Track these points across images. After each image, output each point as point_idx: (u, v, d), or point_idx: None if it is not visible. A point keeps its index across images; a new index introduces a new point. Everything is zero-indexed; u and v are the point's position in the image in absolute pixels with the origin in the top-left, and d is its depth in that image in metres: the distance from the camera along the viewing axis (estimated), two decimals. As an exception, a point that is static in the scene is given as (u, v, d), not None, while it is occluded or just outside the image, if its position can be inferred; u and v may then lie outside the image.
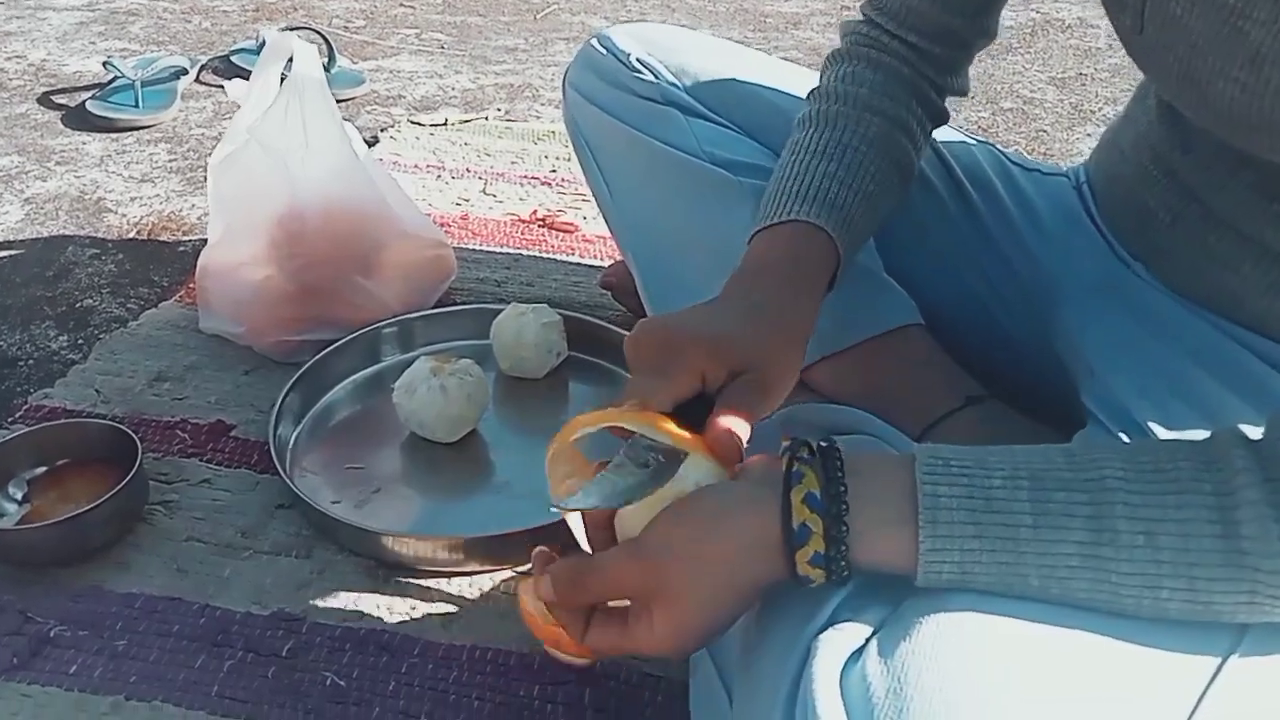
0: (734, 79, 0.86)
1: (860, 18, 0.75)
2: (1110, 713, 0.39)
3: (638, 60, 0.87)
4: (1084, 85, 1.76)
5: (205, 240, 1.19)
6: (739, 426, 0.52)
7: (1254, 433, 0.45)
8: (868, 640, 0.41)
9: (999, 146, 0.85)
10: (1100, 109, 1.66)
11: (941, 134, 0.83)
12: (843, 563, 0.42)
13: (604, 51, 0.90)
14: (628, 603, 0.47)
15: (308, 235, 0.94)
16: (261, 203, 0.95)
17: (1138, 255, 0.73)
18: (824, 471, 0.43)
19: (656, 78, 0.86)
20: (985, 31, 0.74)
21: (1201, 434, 0.45)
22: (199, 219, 1.29)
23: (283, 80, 0.96)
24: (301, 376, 0.93)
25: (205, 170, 1.40)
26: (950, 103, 0.76)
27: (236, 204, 0.98)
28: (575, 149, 0.95)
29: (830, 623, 0.42)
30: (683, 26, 2.06)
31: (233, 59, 1.75)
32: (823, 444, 0.45)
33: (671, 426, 0.49)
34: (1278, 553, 0.40)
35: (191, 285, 1.12)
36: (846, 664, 0.40)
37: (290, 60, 0.94)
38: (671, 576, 0.45)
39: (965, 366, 0.76)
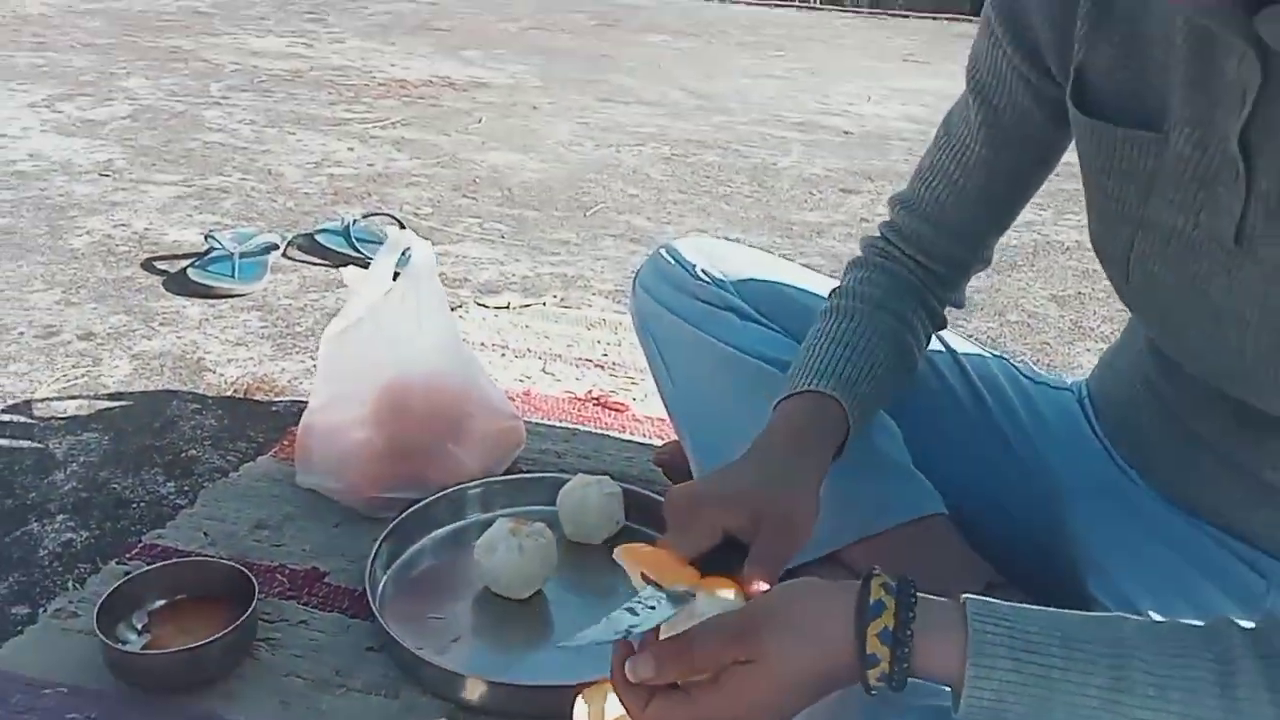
0: (781, 287, 1.01)
1: (877, 234, 0.88)
2: None
3: (702, 271, 1.02)
4: (1082, 304, 1.94)
5: (295, 401, 1.33)
6: (767, 568, 0.63)
7: (1245, 624, 0.56)
8: None
9: (1011, 359, 1.00)
10: (1098, 326, 1.84)
11: (961, 346, 0.97)
12: (903, 679, 0.53)
13: (672, 261, 1.05)
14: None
15: (410, 405, 1.07)
16: (370, 373, 1.09)
17: (1134, 465, 0.85)
18: (899, 609, 0.53)
19: (717, 286, 1.00)
20: (982, 259, 0.87)
21: (1198, 622, 0.56)
22: (289, 382, 1.43)
23: (396, 272, 1.12)
24: (391, 530, 1.04)
25: (293, 337, 1.56)
26: (961, 314, 0.91)
27: (345, 372, 1.12)
28: (641, 341, 1.09)
29: None
30: (719, 231, 2.28)
31: (317, 238, 1.95)
32: (899, 580, 0.55)
33: (680, 569, 0.59)
34: (1267, 716, 0.50)
35: (285, 442, 1.25)
36: None
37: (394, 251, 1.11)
38: (771, 649, 0.54)
39: (985, 554, 0.87)
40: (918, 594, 0.55)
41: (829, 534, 0.77)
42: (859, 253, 0.90)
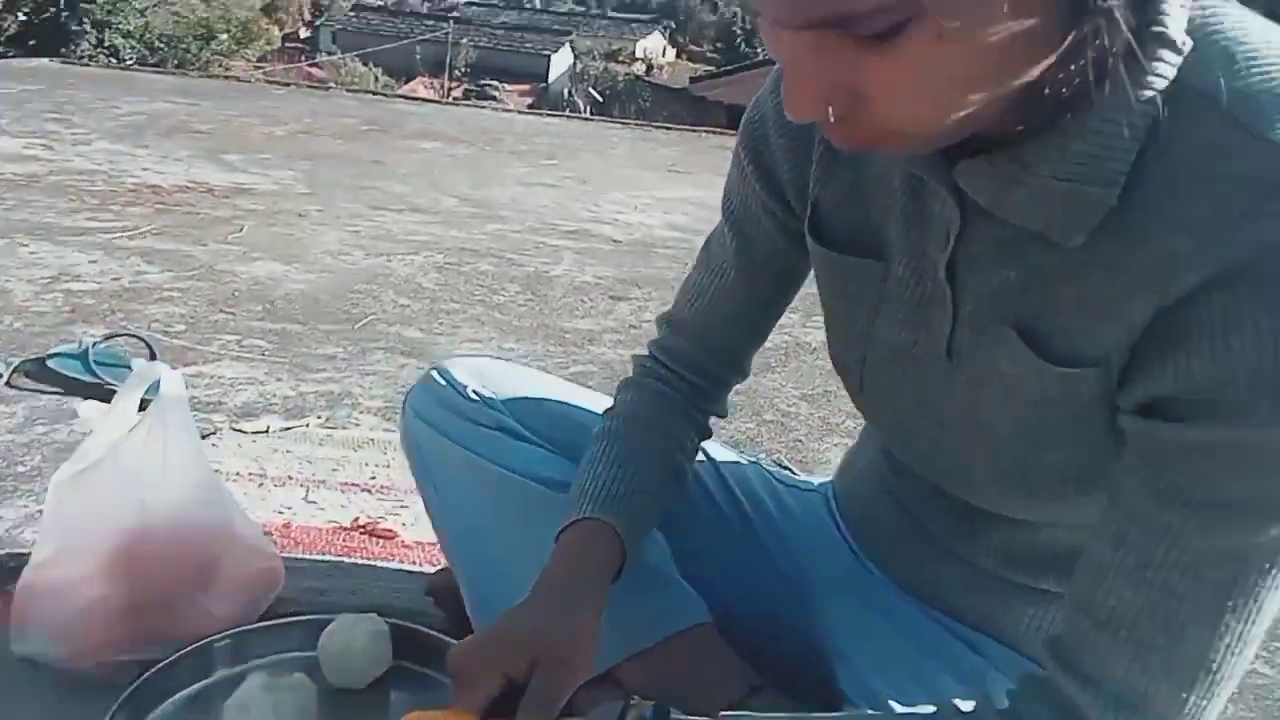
0: (553, 405, 1.03)
1: (646, 352, 0.93)
2: None
3: (473, 391, 1.02)
4: (830, 401, 2.10)
5: (14, 554, 1.20)
6: (542, 711, 0.65)
7: (966, 705, 0.63)
8: None
9: (765, 464, 1.06)
10: (843, 422, 1.99)
11: (720, 455, 1.02)
12: None
13: (443, 382, 1.04)
14: None
15: (152, 554, 0.99)
16: (108, 521, 1.00)
17: (873, 558, 0.93)
18: None
19: (488, 406, 1.00)
20: (741, 373, 0.93)
21: (929, 708, 0.62)
22: (6, 532, 1.29)
23: (143, 403, 1.04)
24: (128, 698, 0.95)
25: (14, 479, 1.42)
26: (717, 420, 0.96)
27: (78, 521, 1.02)
28: (411, 465, 1.07)
29: None
30: (493, 340, 2.29)
31: (48, 363, 1.78)
32: (655, 707, 0.58)
33: None
34: None
35: None
36: None
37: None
38: None
39: (749, 657, 0.91)
40: (673, 716, 0.58)
41: (601, 654, 0.78)
42: (630, 371, 0.94)
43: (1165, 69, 0.52)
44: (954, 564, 0.84)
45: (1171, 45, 0.52)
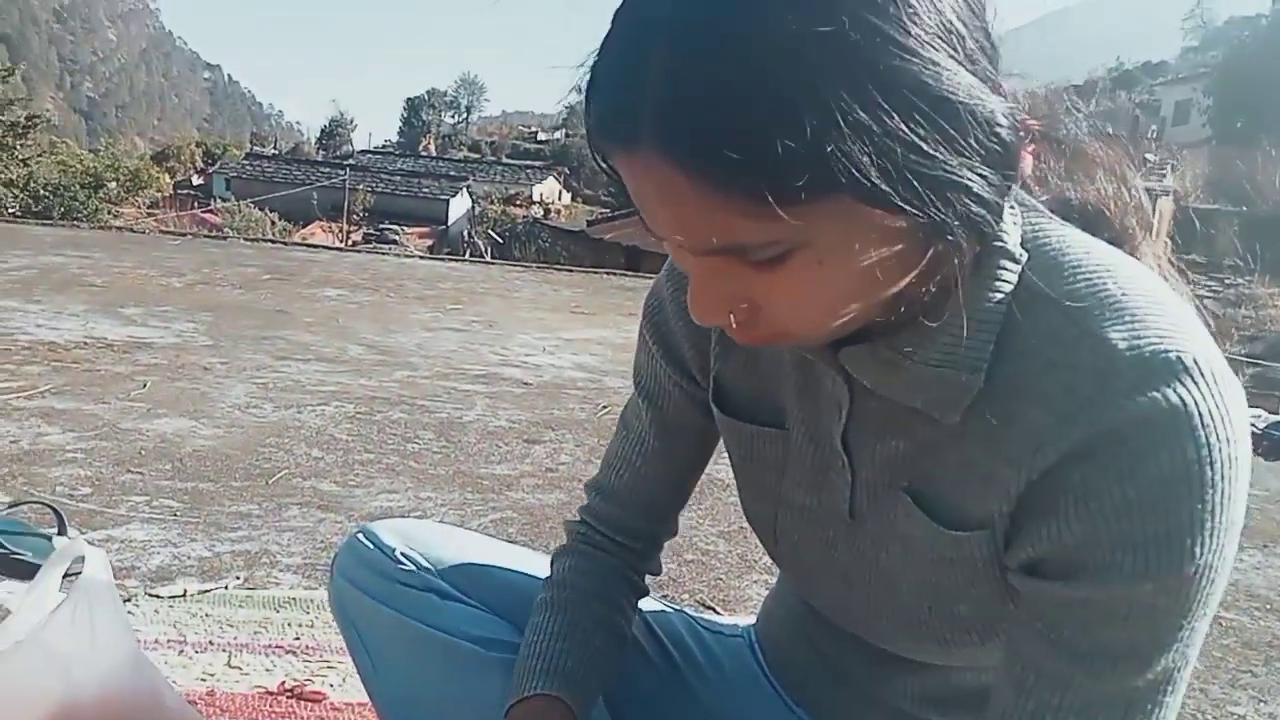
0: (481, 565, 1.07)
1: (578, 519, 0.97)
2: None
3: (401, 554, 1.05)
4: (746, 538, 2.17)
5: (-78, 741, 1.14)
6: None
7: None
8: None
9: (690, 611, 1.11)
10: (761, 558, 2.05)
11: (649, 605, 1.07)
12: None
13: (370, 545, 1.06)
14: None
15: (79, 735, 0.97)
16: (33, 705, 0.98)
17: (800, 703, 0.98)
18: None
19: (416, 568, 1.03)
20: (670, 530, 0.98)
21: None
22: (-89, 717, 1.23)
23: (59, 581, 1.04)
24: None
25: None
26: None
27: (3, 704, 0.99)
28: (341, 629, 1.07)
29: None
30: (409, 490, 2.30)
31: (-54, 535, 1.72)
32: None
33: None
34: None
35: (-92, 796, 1.06)
36: None
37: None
38: None
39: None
40: None
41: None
42: (564, 538, 0.98)
43: (1008, 275, 0.63)
44: (874, 707, 0.89)
45: (1010, 256, 0.63)
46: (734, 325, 0.62)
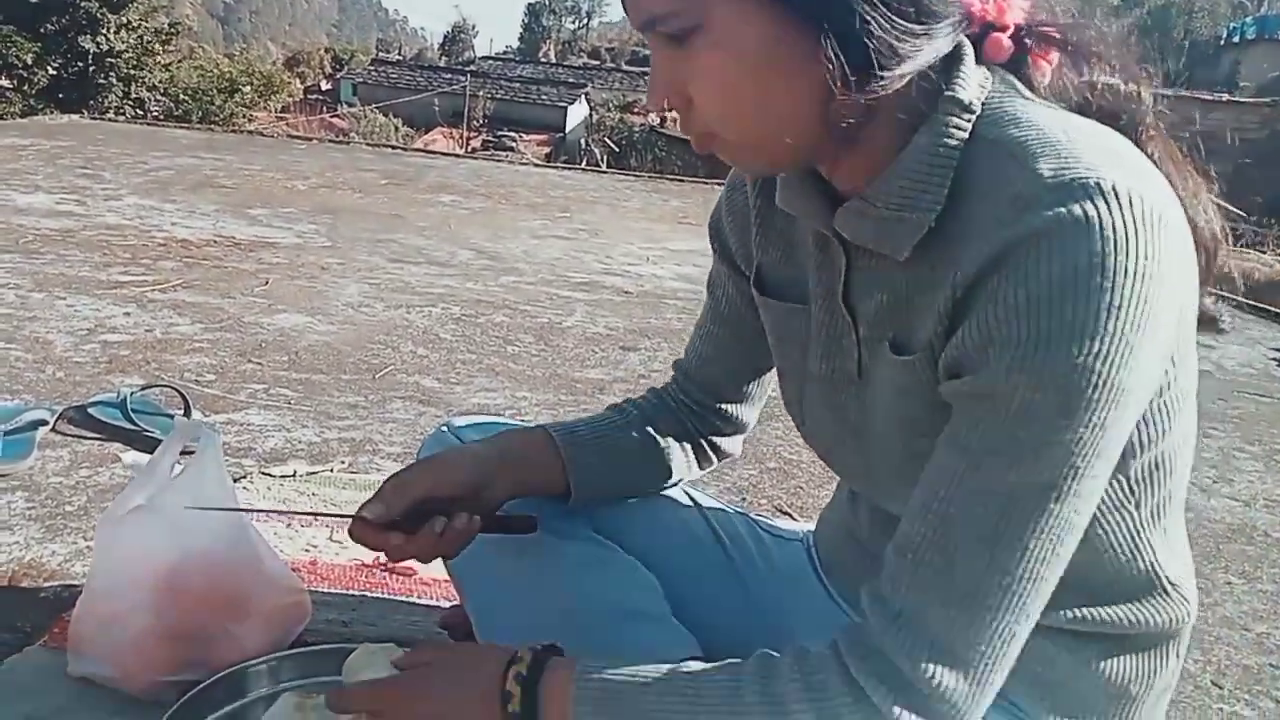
0: None
1: (660, 386, 1.10)
2: None
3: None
4: (829, 449, 2.19)
5: (67, 586, 1.30)
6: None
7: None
8: None
9: (750, 513, 1.16)
10: (842, 469, 2.08)
11: (708, 503, 1.13)
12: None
13: (453, 437, 1.16)
14: None
15: (189, 589, 1.09)
16: (149, 559, 1.10)
17: (845, 599, 1.02)
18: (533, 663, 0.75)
19: None
20: (737, 409, 1.07)
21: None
22: (60, 565, 1.39)
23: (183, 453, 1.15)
24: (172, 715, 1.04)
25: (63, 517, 1.53)
26: (726, 463, 1.11)
27: (123, 559, 1.12)
28: None
29: None
30: (506, 390, 2.40)
31: (90, 411, 1.90)
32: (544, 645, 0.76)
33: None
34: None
35: (56, 630, 1.21)
36: None
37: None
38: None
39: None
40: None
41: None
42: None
43: (959, 123, 0.68)
44: None
45: (963, 106, 0.68)
46: (676, 119, 0.72)
